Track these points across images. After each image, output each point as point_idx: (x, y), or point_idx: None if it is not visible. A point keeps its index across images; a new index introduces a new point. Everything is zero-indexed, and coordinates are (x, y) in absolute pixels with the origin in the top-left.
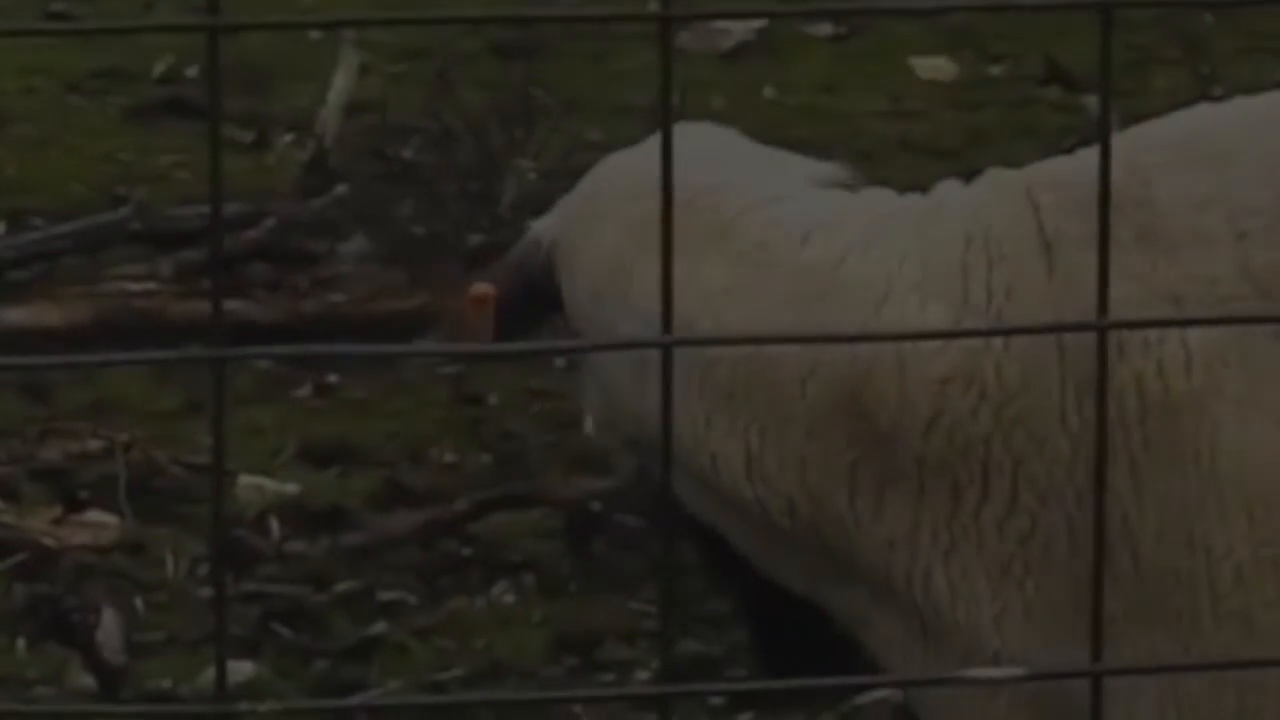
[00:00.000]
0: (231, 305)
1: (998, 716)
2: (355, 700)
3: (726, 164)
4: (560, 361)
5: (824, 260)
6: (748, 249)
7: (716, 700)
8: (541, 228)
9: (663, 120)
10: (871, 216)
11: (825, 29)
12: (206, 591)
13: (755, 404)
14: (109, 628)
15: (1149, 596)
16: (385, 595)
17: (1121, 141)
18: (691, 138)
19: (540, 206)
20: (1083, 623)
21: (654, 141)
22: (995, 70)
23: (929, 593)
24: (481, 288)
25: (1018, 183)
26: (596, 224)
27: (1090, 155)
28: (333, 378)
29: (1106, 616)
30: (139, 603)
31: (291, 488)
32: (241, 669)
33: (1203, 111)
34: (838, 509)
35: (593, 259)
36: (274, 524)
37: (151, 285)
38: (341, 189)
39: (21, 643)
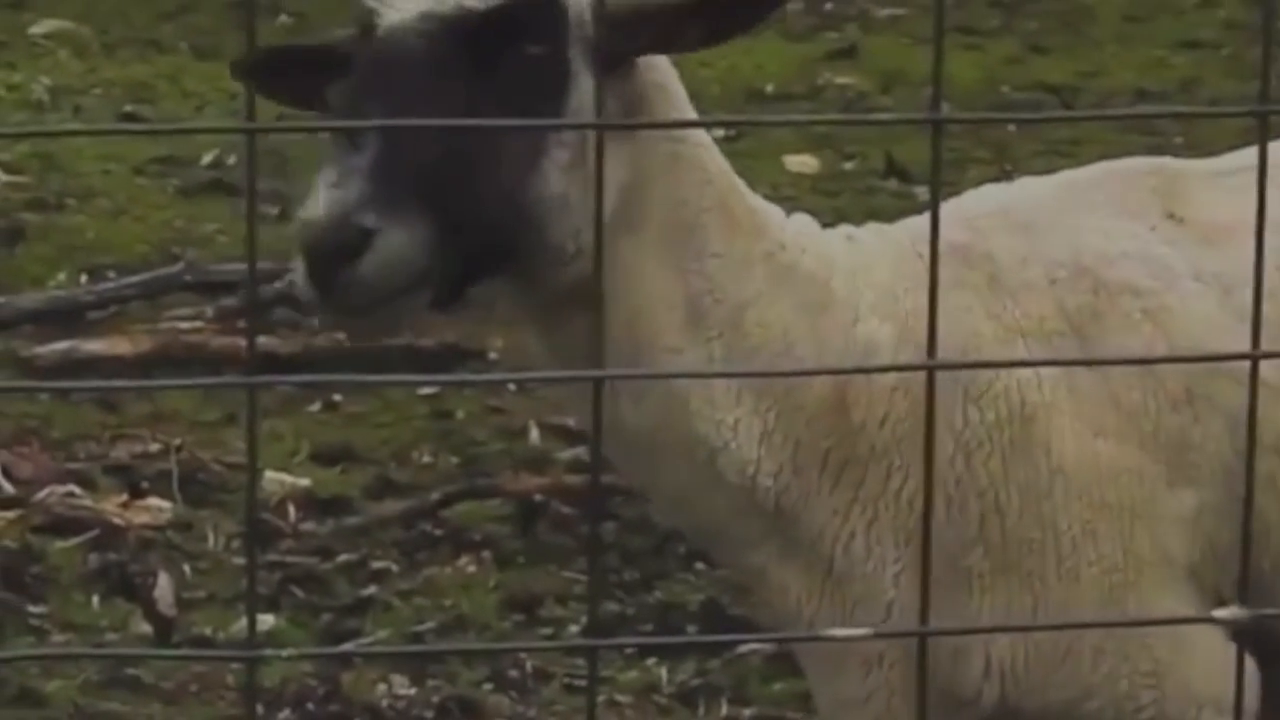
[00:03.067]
0: (261, 341)
1: (876, 645)
2: (351, 646)
3: None
4: (511, 387)
5: (819, 273)
6: (773, 249)
7: (630, 650)
8: None
9: (596, 218)
10: (825, 236)
11: (719, 133)
12: (239, 560)
13: (777, 391)
14: (163, 587)
15: (1010, 559)
16: (376, 564)
17: (959, 209)
18: None
19: None
20: (950, 577)
21: None
22: (848, 165)
23: (849, 552)
24: None
25: (902, 235)
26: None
27: (944, 217)
28: (337, 397)
29: (979, 573)
30: (187, 569)
31: (305, 481)
32: (266, 621)
33: (1003, 188)
34: (809, 480)
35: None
36: (291, 509)
37: (199, 324)
38: None
39: (95, 598)
